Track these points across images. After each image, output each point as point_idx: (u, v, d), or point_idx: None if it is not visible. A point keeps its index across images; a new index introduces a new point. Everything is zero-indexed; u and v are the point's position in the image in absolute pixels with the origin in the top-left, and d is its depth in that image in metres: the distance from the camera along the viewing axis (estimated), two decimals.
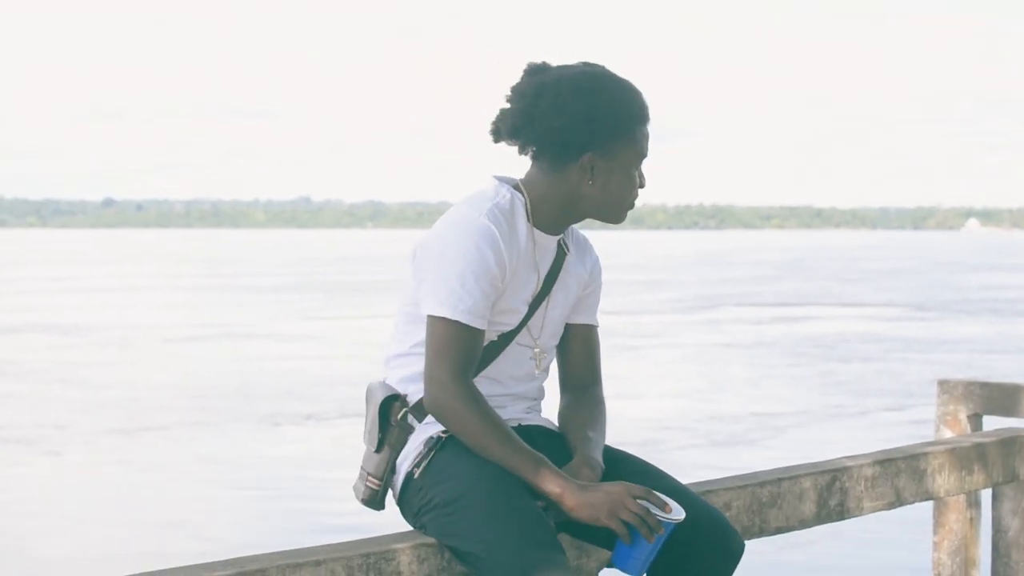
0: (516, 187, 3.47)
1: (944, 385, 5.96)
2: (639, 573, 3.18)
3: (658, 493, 3.21)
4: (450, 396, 3.25)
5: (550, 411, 3.61)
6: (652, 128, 3.49)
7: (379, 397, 3.42)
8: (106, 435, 16.71)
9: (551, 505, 3.21)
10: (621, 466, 3.37)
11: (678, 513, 3.15)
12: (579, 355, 3.59)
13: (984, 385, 5.90)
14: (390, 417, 3.40)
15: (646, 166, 3.51)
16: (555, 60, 3.52)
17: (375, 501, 3.44)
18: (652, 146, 3.46)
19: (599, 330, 3.65)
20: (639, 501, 3.15)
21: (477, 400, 3.26)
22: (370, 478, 3.41)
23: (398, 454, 3.39)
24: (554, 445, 3.44)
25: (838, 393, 20.46)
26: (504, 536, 3.09)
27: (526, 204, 3.44)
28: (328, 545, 3.15)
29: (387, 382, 3.45)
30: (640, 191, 3.51)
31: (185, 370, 23.87)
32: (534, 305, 3.47)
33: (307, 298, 45.72)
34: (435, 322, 3.29)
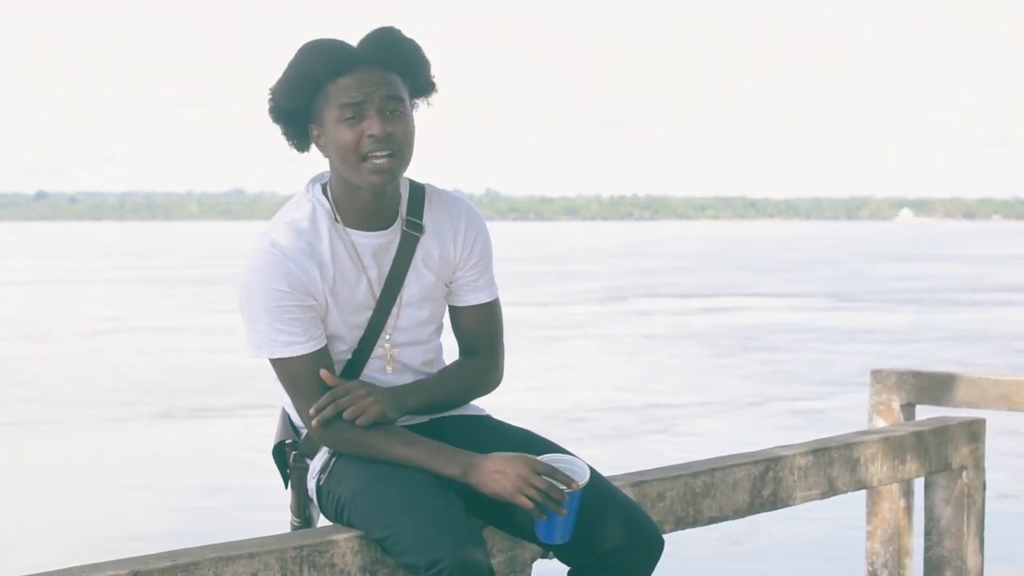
0: (326, 187, 3.34)
1: (877, 375, 6.00)
2: (564, 539, 3.20)
3: (564, 456, 3.20)
4: (324, 428, 3.24)
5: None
6: (369, 73, 3.20)
7: (275, 440, 3.46)
8: (17, 427, 16.51)
9: (463, 491, 3.20)
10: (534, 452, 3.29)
11: (582, 476, 3.17)
12: (474, 332, 3.45)
13: (917, 374, 5.95)
14: (286, 461, 3.44)
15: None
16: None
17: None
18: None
19: (499, 303, 3.49)
20: (543, 476, 3.15)
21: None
22: (292, 516, 3.47)
23: (305, 490, 3.42)
24: (467, 431, 3.41)
25: (763, 383, 20.49)
26: (405, 517, 3.09)
27: (332, 207, 3.30)
28: (262, 538, 3.13)
29: (285, 409, 3.46)
30: (373, 138, 3.20)
31: (103, 364, 23.55)
32: (381, 309, 3.33)
33: (233, 290, 45.31)
34: (272, 364, 3.27)
